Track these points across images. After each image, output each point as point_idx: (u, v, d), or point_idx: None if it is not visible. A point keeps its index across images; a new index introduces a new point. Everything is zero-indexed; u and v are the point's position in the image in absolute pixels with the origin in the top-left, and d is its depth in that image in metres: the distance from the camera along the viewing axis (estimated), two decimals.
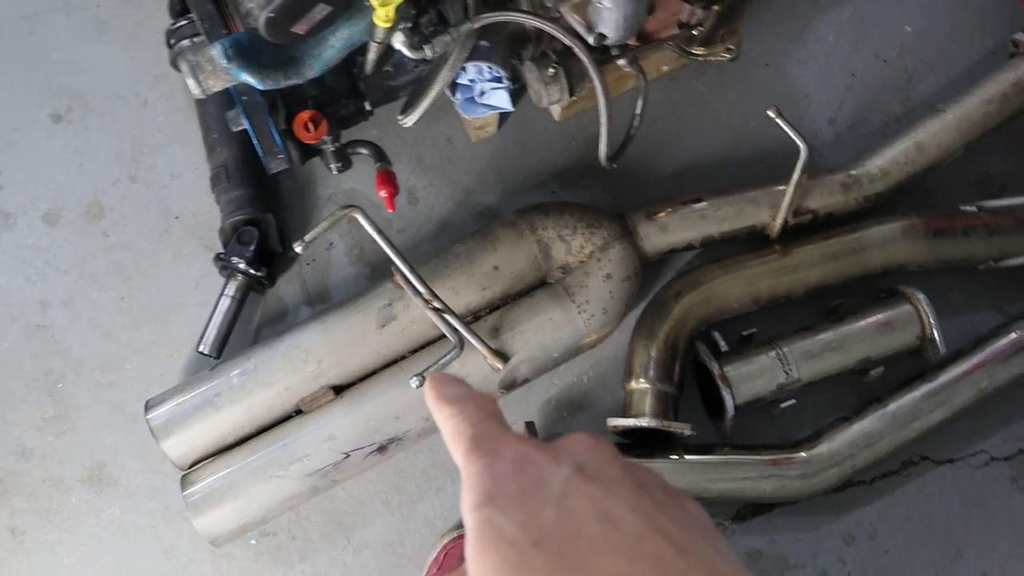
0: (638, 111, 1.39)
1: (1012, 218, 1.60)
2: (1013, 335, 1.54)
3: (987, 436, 1.62)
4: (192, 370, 1.53)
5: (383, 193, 1.16)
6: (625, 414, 1.46)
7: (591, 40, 1.08)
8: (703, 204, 1.51)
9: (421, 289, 1.33)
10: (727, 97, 1.69)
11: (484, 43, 1.14)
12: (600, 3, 1.02)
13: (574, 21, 1.12)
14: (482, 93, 1.19)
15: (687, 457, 1.45)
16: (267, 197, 1.52)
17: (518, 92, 1.52)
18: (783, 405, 1.50)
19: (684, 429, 1.42)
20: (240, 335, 1.54)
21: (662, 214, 1.50)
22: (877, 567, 1.55)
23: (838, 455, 1.46)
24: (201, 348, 1.47)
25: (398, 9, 0.96)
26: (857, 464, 1.48)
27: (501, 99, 1.17)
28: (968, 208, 1.59)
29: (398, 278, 1.39)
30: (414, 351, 1.46)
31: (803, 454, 1.47)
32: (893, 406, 1.50)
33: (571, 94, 1.24)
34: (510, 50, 1.18)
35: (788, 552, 1.54)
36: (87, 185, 1.62)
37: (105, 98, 1.66)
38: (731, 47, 1.46)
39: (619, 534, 0.34)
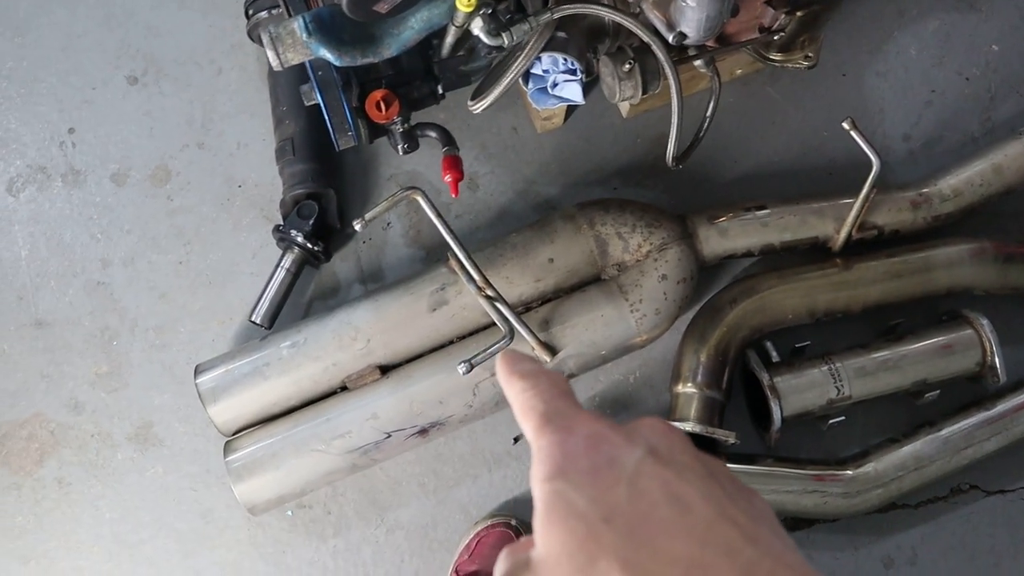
0: (709, 113, 1.37)
1: None
2: None
3: None
4: (243, 338, 1.55)
5: (448, 178, 1.15)
6: (670, 417, 1.45)
7: (671, 39, 1.06)
8: (766, 211, 1.49)
9: (475, 276, 1.33)
10: (800, 105, 1.66)
11: (561, 34, 1.13)
12: (684, 1, 1.00)
13: (655, 18, 1.11)
14: (555, 84, 1.18)
15: (729, 465, 1.43)
16: (330, 173, 1.53)
17: (589, 85, 1.52)
18: (832, 421, 1.47)
19: (729, 437, 1.40)
20: (293, 307, 1.55)
21: (723, 219, 1.48)
22: None
23: (884, 476, 1.44)
24: (253, 318, 1.49)
25: None
26: (904, 487, 1.45)
27: (573, 92, 1.17)
28: None
29: (452, 263, 1.39)
30: (463, 337, 1.46)
31: (849, 472, 1.44)
32: (946, 431, 1.46)
33: (644, 91, 1.22)
34: (587, 43, 1.17)
35: (825, 570, 1.51)
36: (156, 148, 1.64)
37: (180, 63, 1.69)
38: (810, 55, 1.43)
39: (690, 519, 0.34)
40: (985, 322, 1.47)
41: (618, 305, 1.42)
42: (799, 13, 1.28)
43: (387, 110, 1.08)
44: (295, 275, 1.51)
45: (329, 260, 1.56)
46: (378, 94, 1.07)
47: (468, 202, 1.60)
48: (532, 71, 1.17)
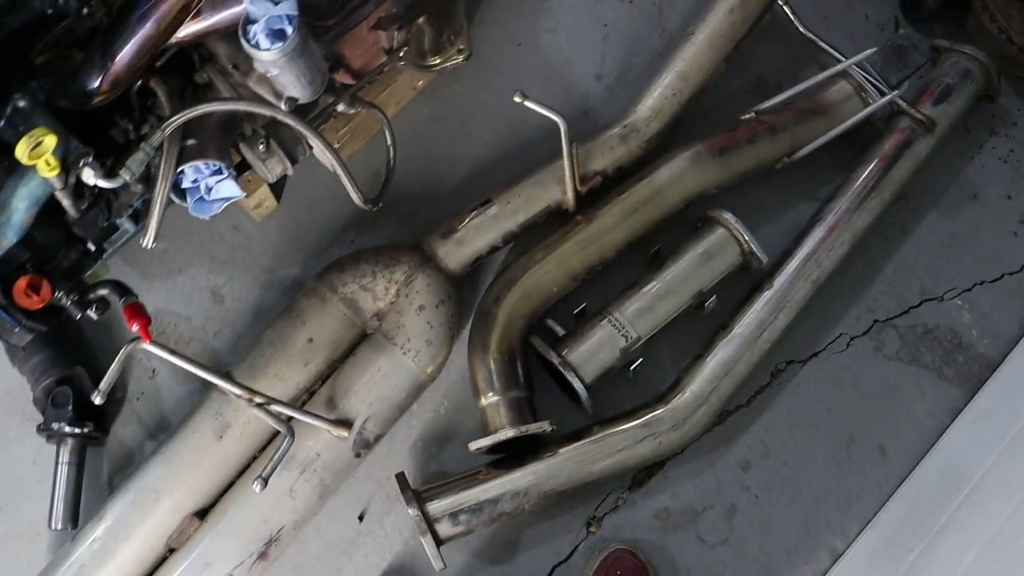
0: (389, 143, 1.38)
1: (791, 111, 1.63)
2: (825, 221, 1.57)
3: (840, 319, 1.65)
4: (57, 546, 1.48)
5: (135, 327, 1.12)
6: (485, 431, 1.45)
7: (284, 106, 1.06)
8: (492, 205, 1.51)
9: (237, 391, 1.30)
10: (491, 89, 1.68)
11: (192, 141, 1.12)
12: (268, 73, 1.00)
13: (264, 92, 1.10)
14: (209, 189, 1.16)
15: (560, 451, 1.44)
16: (70, 351, 1.48)
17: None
18: (634, 366, 1.50)
19: (543, 427, 1.41)
20: (96, 492, 1.49)
21: (455, 229, 1.49)
22: (781, 480, 1.57)
23: (701, 394, 1.47)
24: (53, 525, 1.42)
25: (57, 153, 0.92)
26: (723, 395, 1.49)
27: (230, 189, 1.15)
28: (748, 116, 1.61)
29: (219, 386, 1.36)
30: (263, 448, 1.43)
31: (668, 406, 1.47)
32: (739, 328, 1.51)
33: (294, 161, 1.22)
34: (225, 137, 1.15)
35: (693, 499, 1.55)
36: None
37: None
38: (461, 47, 1.45)
39: None
40: (729, 216, 1.52)
41: (390, 353, 1.41)
42: (420, 20, 1.30)
43: (39, 294, 1.04)
44: (79, 465, 1.45)
45: (107, 434, 1.51)
46: (22, 282, 1.03)
47: (220, 315, 1.57)
48: (182, 187, 1.15)
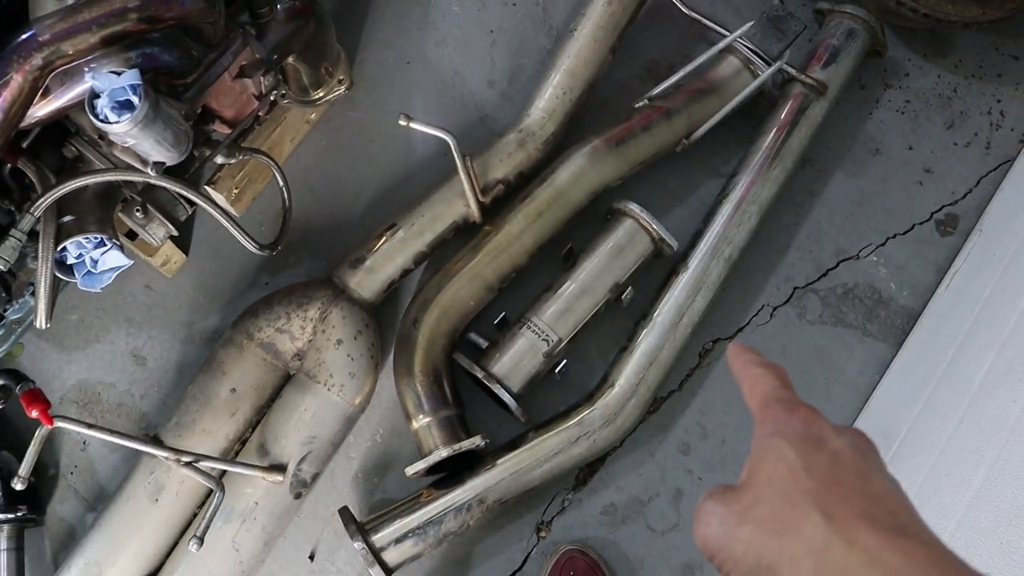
0: (281, 184, 1.37)
1: (682, 93, 1.64)
2: (730, 197, 1.58)
3: (761, 291, 1.67)
4: None
5: (34, 413, 1.12)
6: (420, 453, 1.45)
7: (151, 172, 1.05)
8: (398, 229, 1.51)
9: (163, 453, 1.30)
10: (385, 111, 1.68)
11: (69, 218, 1.11)
12: (125, 143, 0.99)
13: (132, 160, 1.09)
14: (95, 262, 1.15)
15: (497, 463, 1.45)
16: None
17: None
18: (558, 369, 1.51)
19: (475, 443, 1.42)
20: (41, 572, 1.48)
21: (364, 258, 1.49)
22: (722, 458, 1.59)
23: (629, 387, 1.49)
24: None
25: None
26: (652, 384, 1.51)
27: (116, 259, 1.14)
28: (641, 103, 1.62)
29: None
30: (203, 504, 1.43)
31: (598, 404, 1.48)
32: (659, 316, 1.52)
33: (175, 222, 1.21)
34: (104, 208, 1.14)
35: (638, 491, 1.56)
36: None
37: None
38: (341, 78, 1.44)
39: (870, 488, 0.45)
40: (634, 206, 1.53)
41: (315, 392, 1.41)
42: (291, 59, 1.29)
43: None
44: (18, 549, 1.44)
45: (44, 513, 1.50)
46: None
47: (144, 377, 1.56)
48: (67, 263, 1.14)
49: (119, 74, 0.93)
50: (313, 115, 1.62)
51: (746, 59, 1.64)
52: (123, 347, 1.56)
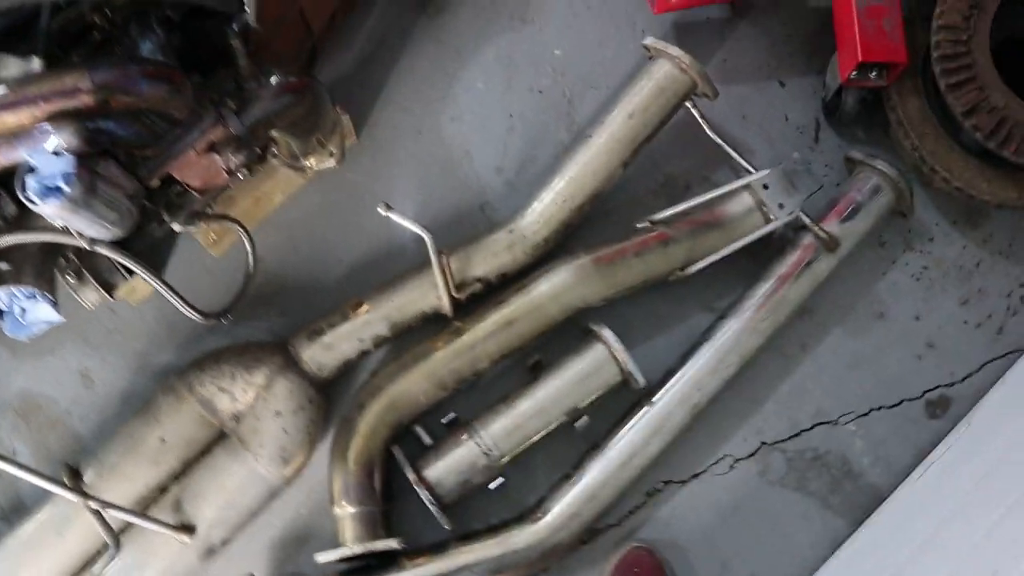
0: (248, 250, 1.35)
1: (687, 223, 1.57)
2: (713, 341, 1.52)
3: (727, 439, 1.61)
4: None
5: None
6: (337, 541, 1.42)
7: (88, 246, 1.03)
8: (364, 309, 1.47)
9: (71, 496, 1.28)
10: (385, 178, 1.64)
11: (4, 265, 1.09)
12: (55, 221, 0.97)
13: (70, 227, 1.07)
14: (24, 311, 1.13)
15: (408, 567, 1.41)
16: None
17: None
18: (493, 485, 1.47)
19: (389, 545, 1.39)
20: None
21: (323, 332, 1.46)
22: None
23: (562, 519, 1.44)
24: None
25: None
26: (585, 520, 1.46)
27: (46, 313, 1.12)
28: (642, 225, 1.56)
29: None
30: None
31: (525, 529, 1.44)
32: (610, 452, 1.47)
33: (108, 289, 1.19)
34: (46, 263, 1.12)
35: None
36: None
37: None
38: (333, 151, 1.41)
39: None
40: (609, 334, 1.47)
41: (241, 459, 1.39)
42: (274, 133, 1.27)
43: None
44: None
45: None
46: None
47: (88, 400, 1.55)
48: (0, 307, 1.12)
49: (58, 154, 0.91)
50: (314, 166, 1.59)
51: (760, 201, 1.57)
52: (74, 365, 1.55)
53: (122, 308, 1.56)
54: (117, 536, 1.28)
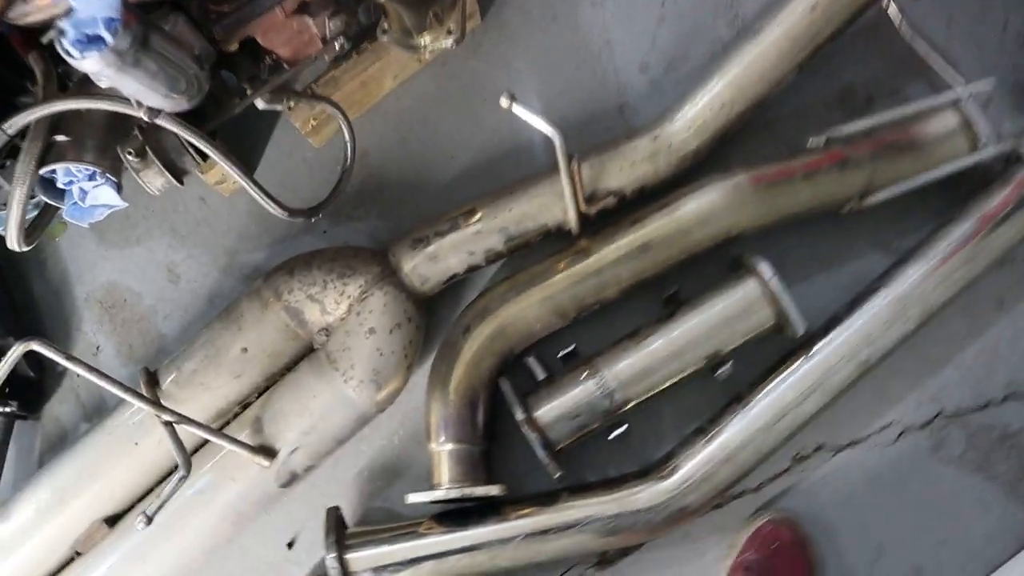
0: (347, 139, 1.16)
1: (871, 143, 1.29)
2: (891, 288, 1.25)
3: (895, 403, 1.35)
4: None
5: None
6: (430, 480, 1.26)
7: (144, 116, 0.85)
8: (477, 217, 1.27)
9: (145, 406, 1.15)
10: (512, 69, 1.42)
11: (62, 138, 0.93)
12: (100, 82, 0.79)
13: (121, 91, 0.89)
14: (85, 194, 0.98)
15: (511, 519, 1.22)
16: (8, 323, 1.37)
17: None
18: (613, 435, 1.26)
19: (490, 492, 1.21)
20: (27, 465, 1.40)
21: (429, 240, 1.27)
22: None
23: (691, 480, 1.22)
24: None
25: None
26: (719, 484, 1.23)
27: (108, 196, 0.96)
28: (816, 141, 1.29)
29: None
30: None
31: (649, 486, 1.23)
32: (754, 409, 1.23)
33: (176, 173, 1.02)
34: (108, 139, 0.96)
35: None
36: None
37: None
38: (451, 28, 1.19)
39: None
40: (766, 268, 1.23)
41: (330, 379, 1.22)
42: (385, 1, 1.06)
43: None
44: (3, 442, 1.36)
45: (37, 411, 1.41)
46: None
47: (173, 296, 1.41)
48: (59, 186, 0.97)
49: None
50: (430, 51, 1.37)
51: (967, 122, 1.27)
52: (161, 258, 1.42)
53: (213, 199, 1.42)
54: (189, 457, 1.14)
